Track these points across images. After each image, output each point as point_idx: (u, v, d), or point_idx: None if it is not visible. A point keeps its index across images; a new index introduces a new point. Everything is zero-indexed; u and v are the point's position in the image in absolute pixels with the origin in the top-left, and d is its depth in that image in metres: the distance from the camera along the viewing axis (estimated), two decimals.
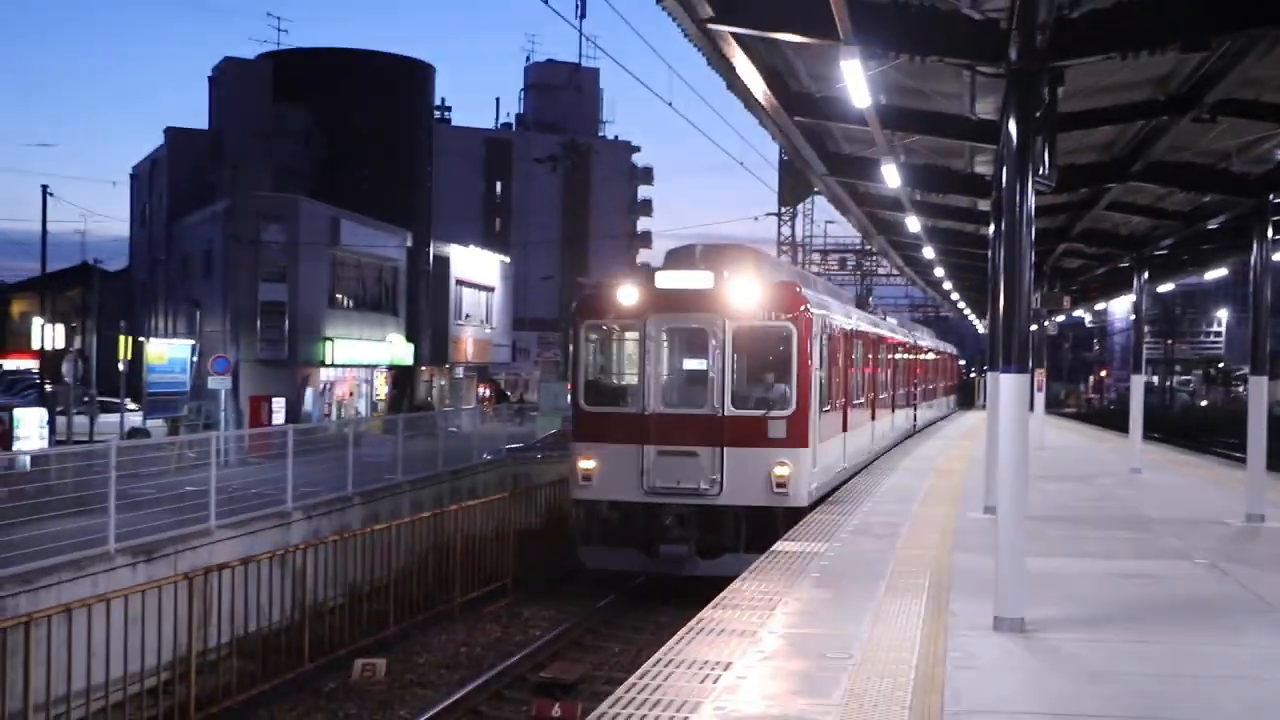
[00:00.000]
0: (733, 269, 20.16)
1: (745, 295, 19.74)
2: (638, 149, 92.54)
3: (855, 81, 12.94)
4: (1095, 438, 44.53)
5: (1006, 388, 11.26)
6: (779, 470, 19.41)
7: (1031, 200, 11.10)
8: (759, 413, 19.83)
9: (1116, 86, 14.69)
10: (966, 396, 73.43)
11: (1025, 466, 11.42)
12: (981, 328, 57.75)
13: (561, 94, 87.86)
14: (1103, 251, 30.08)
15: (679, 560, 19.80)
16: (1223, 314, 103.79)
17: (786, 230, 65.54)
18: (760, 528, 19.08)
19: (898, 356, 36.75)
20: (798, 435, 19.82)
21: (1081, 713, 8.65)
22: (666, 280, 20.39)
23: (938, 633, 10.78)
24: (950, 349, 63.09)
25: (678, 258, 21.99)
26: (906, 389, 39.35)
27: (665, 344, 20.73)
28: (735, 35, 13.41)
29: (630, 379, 21.03)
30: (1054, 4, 10.65)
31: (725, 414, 19.78)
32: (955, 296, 52.71)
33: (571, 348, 21.59)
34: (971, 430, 42.08)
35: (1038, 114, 11.10)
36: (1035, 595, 11.43)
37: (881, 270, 66.50)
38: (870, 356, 29.53)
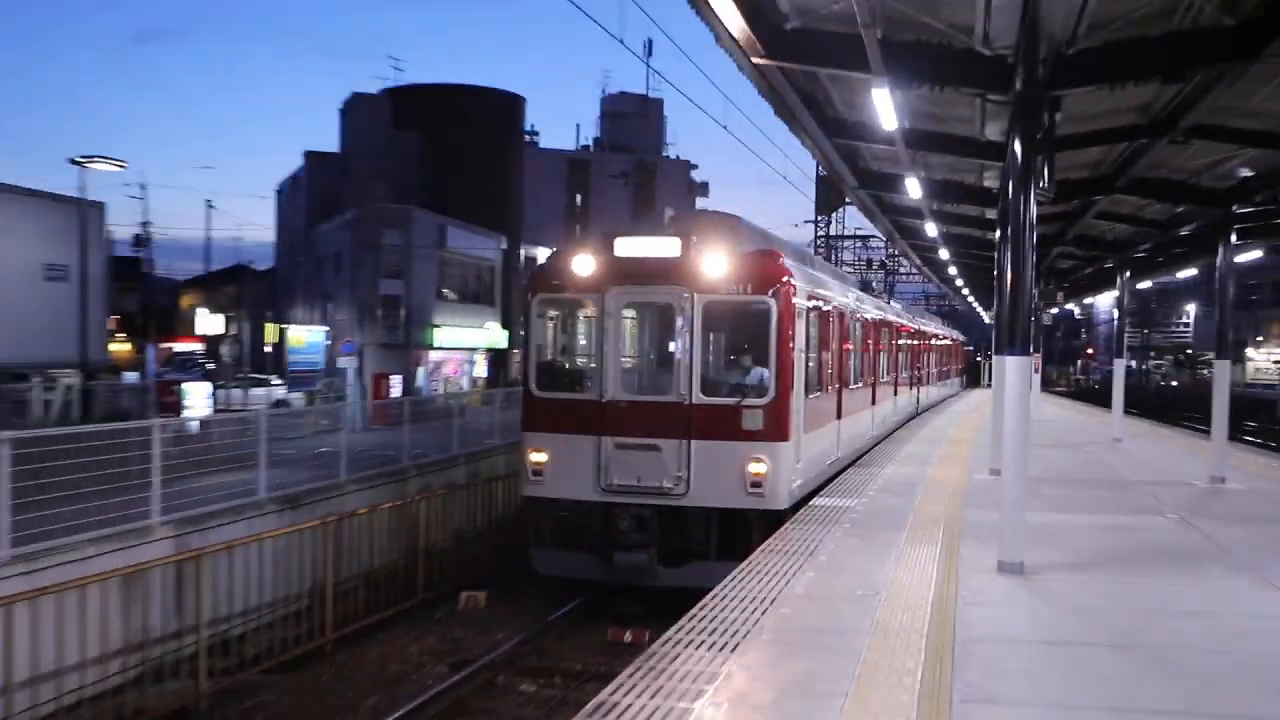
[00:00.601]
0: (703, 235, 15.26)
1: (717, 265, 14.81)
2: (696, 166, 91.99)
3: (884, 108, 12.93)
4: (1083, 412, 44.03)
5: (1011, 368, 11.23)
6: (754, 467, 14.60)
7: (1033, 210, 11.04)
8: (732, 401, 14.87)
9: (1105, 113, 14.57)
10: (973, 377, 72.78)
11: (1027, 434, 11.38)
12: (987, 318, 57.29)
13: (632, 121, 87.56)
14: (1091, 254, 29.88)
15: (638, 569, 15.03)
16: (1191, 308, 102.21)
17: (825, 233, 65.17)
18: (733, 532, 14.72)
19: (904, 340, 31.67)
20: (776, 427, 14.84)
21: (1071, 640, 8.63)
22: (626, 247, 15.29)
23: (950, 575, 10.76)
24: (959, 335, 62.52)
25: (643, 223, 17.61)
26: (913, 371, 34.33)
27: (625, 321, 15.91)
28: (782, 69, 13.39)
29: (587, 361, 15.99)
30: (1053, 42, 10.57)
31: (693, 402, 14.87)
32: (965, 291, 52.32)
33: (523, 325, 16.39)
34: (977, 406, 41.72)
35: (1039, 136, 11.02)
36: (1033, 543, 11.38)
37: (902, 270, 66.02)
38: (872, 338, 24.29)
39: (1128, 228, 24.11)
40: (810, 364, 16.53)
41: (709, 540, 14.90)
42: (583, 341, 16.33)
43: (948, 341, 49.86)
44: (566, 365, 16.48)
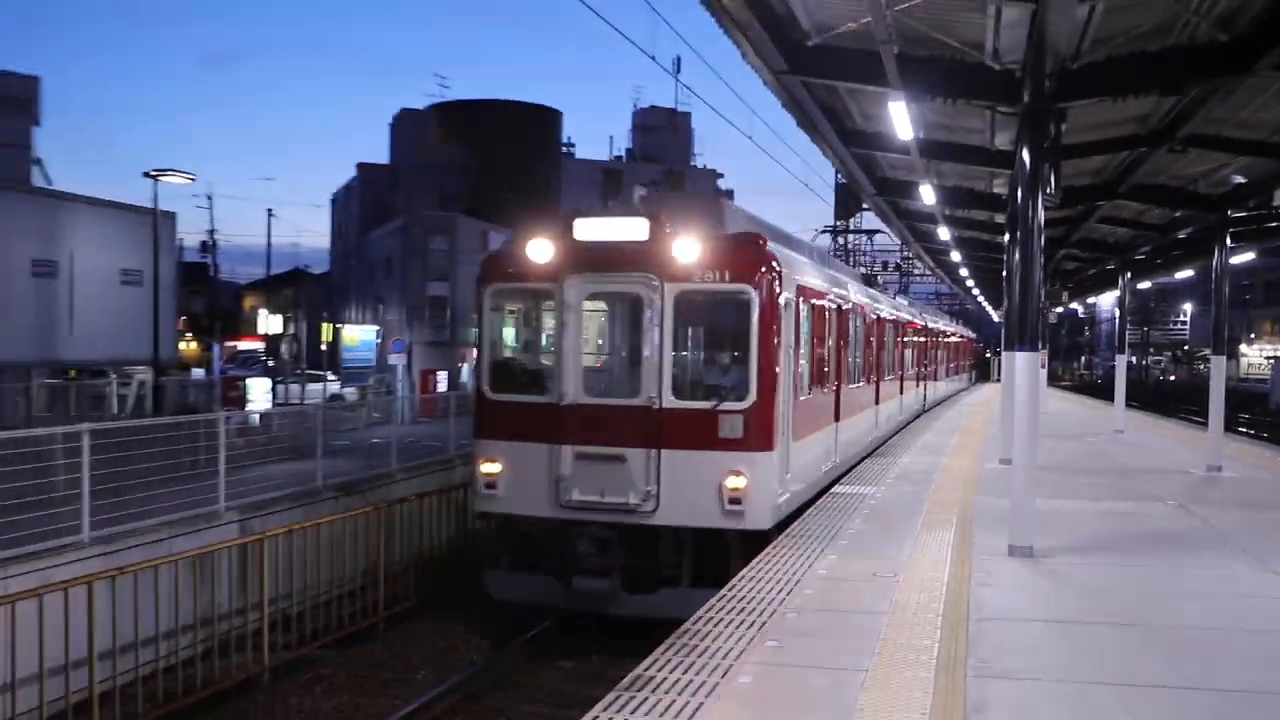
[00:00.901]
0: (675, 217, 12.66)
1: (690, 250, 12.22)
2: (722, 175, 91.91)
3: (900, 119, 12.91)
4: (1086, 405, 43.74)
5: (1020, 363, 11.18)
6: (732, 481, 12.04)
7: (1041, 214, 10.99)
8: (707, 405, 12.31)
9: (1107, 123, 14.52)
10: (983, 372, 72.39)
11: (1036, 425, 11.33)
12: (996, 316, 56.97)
13: (662, 133, 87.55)
14: (1094, 256, 29.78)
15: (599, 597, 12.53)
16: (1188, 307, 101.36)
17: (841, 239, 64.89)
18: (709, 555, 12.32)
19: (911, 337, 28.92)
20: (758, 434, 12.25)
21: (1077, 619, 8.58)
22: (588, 229, 12.75)
23: (964, 558, 10.71)
24: (970, 333, 62.14)
25: (612, 203, 15.05)
26: (921, 368, 31.59)
27: (589, 314, 13.40)
28: (804, 83, 13.36)
29: (545, 360, 13.48)
30: (1059, 57, 10.50)
31: (664, 406, 12.33)
32: (976, 291, 52.11)
33: (476, 320, 13.90)
34: (988, 400, 41.50)
35: (1045, 145, 10.98)
36: (1041, 528, 11.31)
37: (916, 271, 65.76)
38: (876, 334, 21.39)
39: (1128, 231, 24.00)
40: (801, 362, 14.09)
41: (681, 564, 12.43)
42: (541, 337, 13.87)
43: (957, 338, 49.37)
44: (523, 364, 13.96)
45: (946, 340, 42.30)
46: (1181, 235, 22.55)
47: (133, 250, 23.91)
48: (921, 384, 31.86)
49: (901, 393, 26.12)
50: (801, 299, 13.88)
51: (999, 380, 34.84)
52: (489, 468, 13.01)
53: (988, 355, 77.64)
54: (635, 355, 12.90)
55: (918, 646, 7.54)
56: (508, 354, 14.12)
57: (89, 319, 23.09)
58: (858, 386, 18.85)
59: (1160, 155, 15.43)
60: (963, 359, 52.94)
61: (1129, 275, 27.53)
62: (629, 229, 12.63)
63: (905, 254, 60.15)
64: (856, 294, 19.19)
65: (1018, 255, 11.51)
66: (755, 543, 11.76)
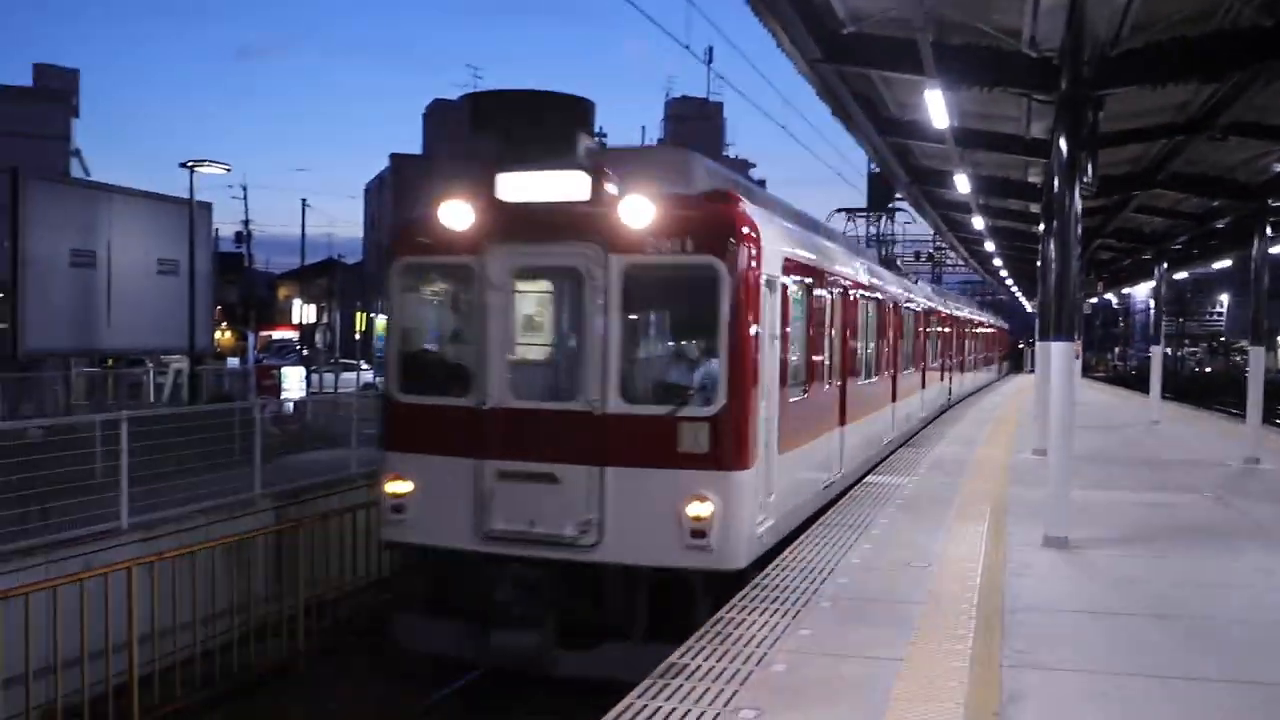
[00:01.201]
0: (630, 173, 9.81)
1: (643, 212, 9.48)
2: (754, 165, 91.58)
3: (936, 108, 12.83)
4: (1120, 396, 43.36)
5: (1056, 353, 11.09)
6: (695, 508, 9.26)
7: (1078, 204, 10.88)
8: (664, 410, 9.54)
9: (1145, 111, 14.36)
10: (1016, 363, 71.88)
11: (1072, 415, 11.23)
12: (1029, 307, 56.60)
13: (694, 123, 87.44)
14: (1129, 246, 29.58)
15: (526, 653, 9.60)
16: (1224, 297, 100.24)
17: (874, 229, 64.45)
18: (667, 602, 9.45)
19: (936, 327, 26.50)
20: (730, 447, 9.45)
21: (1112, 610, 8.52)
22: (514, 188, 9.98)
23: (998, 548, 10.65)
24: (1003, 324, 61.66)
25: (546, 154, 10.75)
26: (947, 359, 29.20)
27: (521, 295, 10.58)
28: (839, 72, 13.30)
29: (465, 354, 10.45)
30: (1097, 44, 10.42)
31: (609, 411, 9.63)
32: (1009, 281, 51.82)
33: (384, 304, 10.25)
34: (1020, 390, 41.22)
35: (1083, 134, 10.87)
36: (1076, 519, 11.20)
37: (949, 261, 65.33)
38: (894, 322, 18.79)
39: (1165, 221, 23.79)
40: (793, 354, 11.42)
41: (632, 612, 9.50)
42: (457, 325, 10.92)
43: (988, 328, 48.73)
44: (440, 359, 11.07)
45: (976, 330, 41.11)
46: (1219, 225, 22.32)
47: (169, 240, 24.11)
48: (947, 377, 29.47)
49: (924, 387, 23.83)
50: (793, 277, 11.19)
51: (1032, 371, 34.62)
52: (396, 487, 10.23)
53: (1020, 346, 77.09)
54: (568, 348, 10.32)
55: (953, 636, 7.50)
56: (423, 346, 11.32)
57: (126, 309, 23.32)
58: (870, 382, 16.37)
59: (1199, 143, 15.27)
60: (994, 349, 52.49)
61: (1165, 265, 27.32)
62: (566, 186, 9.73)
63: (938, 244, 59.73)
64: (868, 275, 16.63)
65: (1054, 245, 11.44)
66: (727, 585, 9.17)
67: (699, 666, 6.83)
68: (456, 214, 10.07)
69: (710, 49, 53.87)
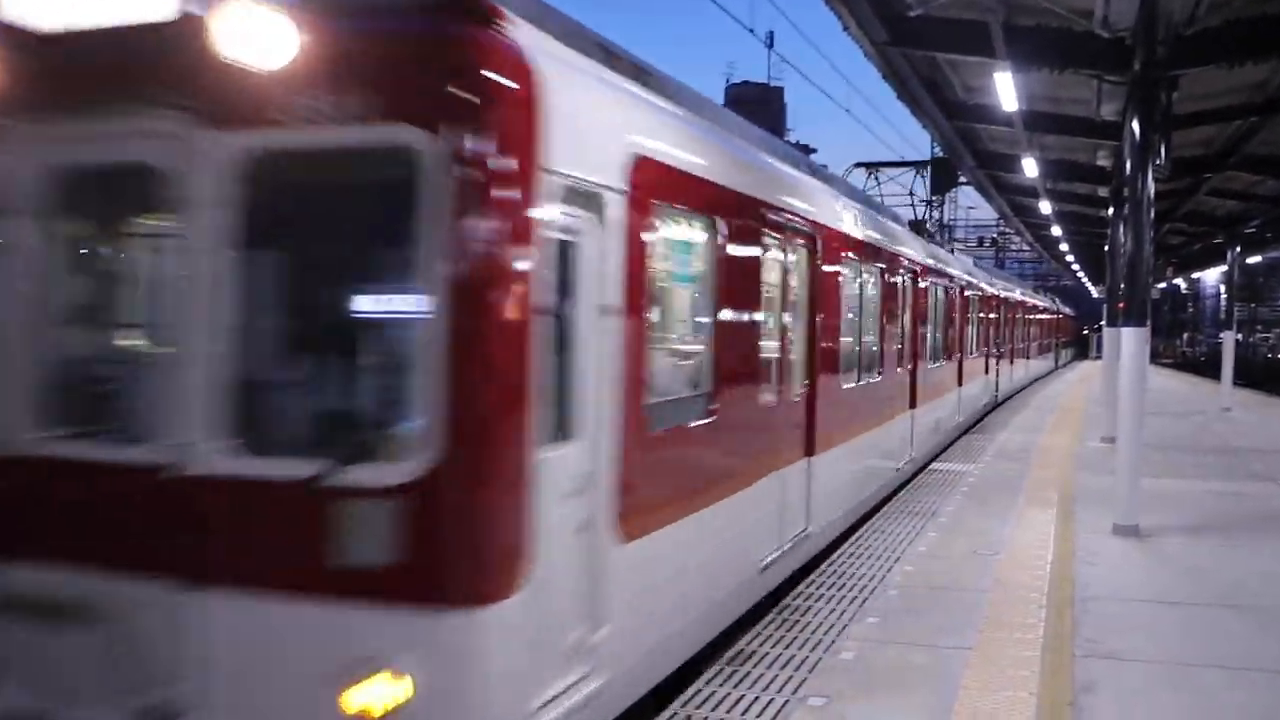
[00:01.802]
0: None
1: (269, 37, 4.04)
2: (814, 150, 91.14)
3: (1005, 90, 12.63)
4: (1190, 383, 42.57)
5: (1127, 339, 10.91)
6: (369, 691, 4.02)
7: (1151, 187, 10.70)
8: (307, 471, 4.13)
9: (1219, 92, 14.09)
10: (1082, 349, 70.83)
11: (1143, 402, 11.06)
12: (1096, 292, 55.76)
13: (754, 108, 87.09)
14: (1200, 230, 29.07)
15: None
16: None
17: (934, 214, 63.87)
18: None
19: (984, 313, 22.54)
20: (455, 552, 4.15)
21: (1186, 600, 8.39)
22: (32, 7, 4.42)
23: (1067, 535, 10.53)
24: (1066, 308, 60.73)
25: None
26: (996, 349, 24.87)
27: (41, 226, 4.78)
28: (905, 55, 13.17)
29: None
30: (1172, 23, 10.22)
31: (211, 472, 4.32)
32: (1075, 267, 51.10)
33: None
34: (1085, 376, 40.68)
35: (1156, 115, 10.67)
36: (1147, 507, 11.05)
37: (1012, 247, 64.60)
38: (913, 304, 13.91)
39: (1238, 204, 23.36)
40: (678, 342, 6.81)
41: None
42: None
43: (1052, 315, 47.49)
44: None
45: (1035, 317, 37.69)
46: None
47: None
48: (998, 368, 25.30)
49: (961, 384, 18.93)
50: (672, 199, 6.14)
51: (1098, 358, 34.11)
52: None
53: (1085, 331, 75.98)
54: (149, 332, 5.26)
55: (1022, 625, 7.43)
56: None
57: None
58: (872, 383, 11.71)
59: (1275, 124, 14.95)
60: (1054, 336, 51.34)
61: (1238, 249, 26.82)
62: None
63: (1002, 229, 59.01)
64: (874, 231, 11.82)
65: (1124, 229, 11.27)
66: None
67: (767, 653, 6.82)
68: None
69: (771, 33, 53.41)
